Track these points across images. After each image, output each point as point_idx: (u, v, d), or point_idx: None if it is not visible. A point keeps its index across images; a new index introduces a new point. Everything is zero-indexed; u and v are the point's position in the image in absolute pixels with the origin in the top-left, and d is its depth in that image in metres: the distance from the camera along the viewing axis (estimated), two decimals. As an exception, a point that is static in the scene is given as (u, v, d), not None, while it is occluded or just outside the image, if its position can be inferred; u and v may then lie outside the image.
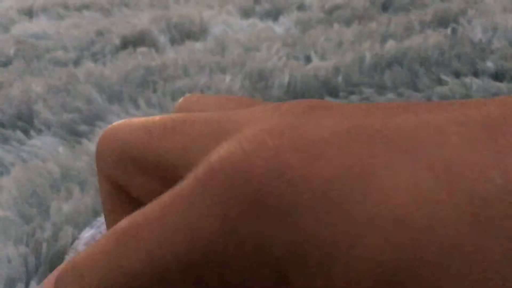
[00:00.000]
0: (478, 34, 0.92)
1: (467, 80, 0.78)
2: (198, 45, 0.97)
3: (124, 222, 0.18)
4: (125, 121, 0.23)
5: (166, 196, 0.17)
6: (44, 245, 0.48)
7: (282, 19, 1.08)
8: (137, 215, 0.18)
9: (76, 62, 0.91)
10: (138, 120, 0.22)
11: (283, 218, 0.15)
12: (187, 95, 0.24)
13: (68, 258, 0.46)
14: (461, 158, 0.14)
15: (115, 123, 0.23)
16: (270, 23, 1.07)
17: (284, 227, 0.15)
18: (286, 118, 0.18)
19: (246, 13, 1.12)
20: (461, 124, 0.15)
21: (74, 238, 0.49)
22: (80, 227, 0.50)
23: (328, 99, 0.75)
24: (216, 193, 0.16)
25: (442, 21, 0.99)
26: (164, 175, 0.19)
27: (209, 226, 0.16)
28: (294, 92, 0.77)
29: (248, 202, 0.16)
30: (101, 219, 0.49)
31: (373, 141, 0.16)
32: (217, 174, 0.16)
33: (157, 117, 0.22)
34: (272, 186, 0.16)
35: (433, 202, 0.14)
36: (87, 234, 0.47)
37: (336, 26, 1.00)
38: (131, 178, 0.21)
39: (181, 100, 0.25)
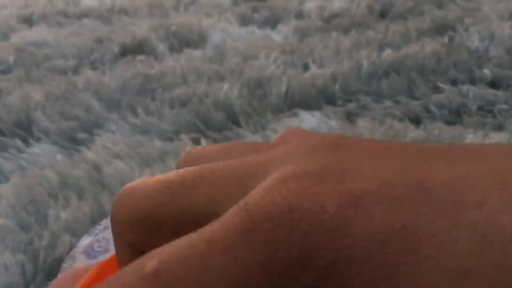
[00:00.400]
0: (475, 42, 0.93)
1: (464, 88, 0.78)
2: (197, 53, 0.97)
3: (153, 267, 0.17)
4: (139, 184, 0.22)
5: (202, 246, 0.17)
6: (42, 253, 0.48)
7: (280, 27, 1.09)
8: (171, 263, 0.17)
9: (75, 70, 0.92)
10: (153, 180, 0.22)
11: (331, 274, 0.15)
12: (187, 149, 0.24)
13: (65, 266, 0.46)
14: (501, 222, 0.15)
15: (128, 186, 0.23)
16: (268, 31, 1.08)
17: (332, 283, 0.15)
18: (318, 160, 0.18)
19: (244, 21, 1.12)
20: (500, 184, 0.16)
21: (72, 246, 0.50)
22: (78, 235, 0.50)
23: (326, 107, 0.75)
24: (260, 244, 0.16)
25: (439, 29, 0.99)
26: (190, 230, 0.18)
27: (253, 278, 0.16)
28: (292, 100, 0.77)
29: (293, 255, 0.16)
30: (99, 226, 0.49)
31: (420, 200, 0.16)
32: (260, 224, 0.16)
33: (172, 174, 0.21)
34: (319, 241, 0.15)
35: (478, 275, 0.14)
36: (84, 242, 0.48)
37: (334, 34, 1.00)
38: (152, 241, 0.20)
39: (183, 155, 0.24)
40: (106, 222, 0.49)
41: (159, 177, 0.22)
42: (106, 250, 0.45)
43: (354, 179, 0.16)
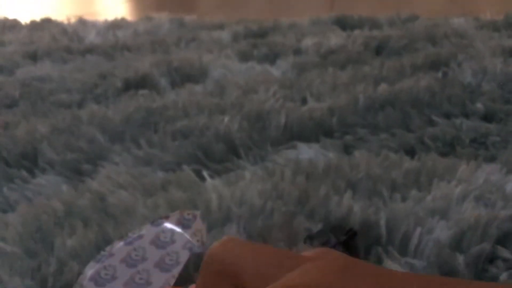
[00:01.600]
0: (468, 77, 0.96)
1: (458, 121, 0.80)
2: (198, 87, 1.00)
3: None
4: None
5: None
6: (50, 279, 0.49)
7: (279, 62, 1.12)
8: None
9: (80, 104, 0.94)
10: None
11: None
12: (225, 237, 0.27)
13: None
14: None
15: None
16: (267, 66, 1.11)
17: None
18: (326, 276, 0.23)
19: (244, 57, 1.15)
20: None
21: (79, 273, 0.51)
22: (84, 261, 0.52)
23: (323, 139, 0.77)
24: None
25: (433, 65, 1.02)
26: None
27: None
28: (290, 132, 0.79)
29: None
30: (105, 253, 0.50)
31: None
32: None
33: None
34: None
35: None
36: (91, 270, 0.49)
37: (330, 69, 1.03)
38: None
39: (208, 258, 0.27)
40: (111, 249, 0.51)
41: None
42: (113, 278, 0.47)
43: None
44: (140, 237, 0.47)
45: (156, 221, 0.47)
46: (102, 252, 0.49)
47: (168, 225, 0.47)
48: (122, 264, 0.46)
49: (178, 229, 0.47)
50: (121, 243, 0.48)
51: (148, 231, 0.47)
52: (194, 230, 0.47)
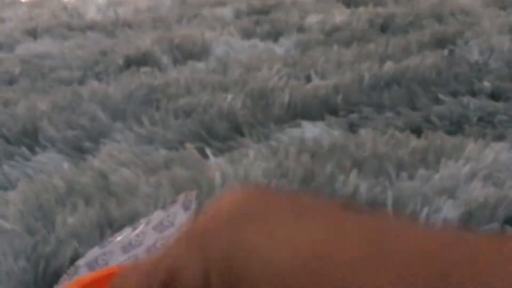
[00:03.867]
0: (474, 55, 0.94)
1: (464, 99, 0.79)
2: (200, 65, 0.99)
3: None
4: None
5: None
6: (42, 262, 0.48)
7: (282, 40, 1.10)
8: None
9: (81, 81, 0.93)
10: None
11: None
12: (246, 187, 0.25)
13: (66, 275, 0.46)
14: None
15: None
16: (270, 44, 1.09)
17: None
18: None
19: (247, 34, 1.14)
20: None
21: (77, 252, 0.50)
22: (84, 240, 0.51)
23: (328, 117, 0.76)
24: None
25: (439, 43, 1.01)
26: None
27: None
28: (294, 111, 0.78)
29: None
30: (112, 239, 0.49)
31: None
32: None
33: None
34: None
35: None
36: (92, 256, 0.47)
37: (335, 47, 1.02)
38: None
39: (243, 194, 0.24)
40: (118, 236, 0.49)
41: None
42: (106, 264, 0.45)
43: None
44: (148, 223, 0.46)
45: (165, 206, 0.46)
46: (110, 239, 0.48)
47: (173, 209, 0.46)
48: (120, 251, 0.45)
49: (180, 212, 0.46)
50: (130, 229, 0.47)
51: (156, 216, 0.46)
52: (193, 211, 0.46)
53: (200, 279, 0.21)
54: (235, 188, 0.24)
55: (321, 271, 0.20)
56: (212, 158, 0.65)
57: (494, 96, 0.81)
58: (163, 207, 0.45)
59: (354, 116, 0.77)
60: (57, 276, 0.48)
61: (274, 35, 1.13)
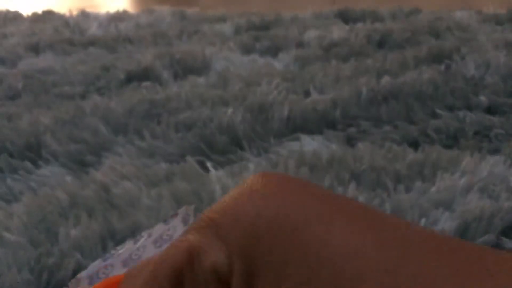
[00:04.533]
0: (471, 70, 0.95)
1: (461, 113, 0.80)
2: (201, 80, 1.00)
3: None
4: None
5: None
6: (45, 274, 0.49)
7: (281, 55, 1.12)
8: None
9: (83, 96, 0.94)
10: None
11: None
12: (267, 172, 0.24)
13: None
14: None
15: None
16: (270, 59, 1.11)
17: None
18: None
19: (246, 50, 1.15)
20: None
21: (80, 264, 0.51)
22: (87, 252, 0.52)
23: (326, 131, 0.77)
24: None
25: (436, 58, 1.02)
26: None
27: None
28: (293, 125, 0.79)
29: None
30: (114, 251, 0.49)
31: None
32: None
33: None
34: None
35: None
36: (94, 268, 0.47)
37: (333, 62, 1.03)
38: None
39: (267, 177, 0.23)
40: (121, 249, 0.49)
41: None
42: (106, 277, 0.46)
43: None
44: (149, 235, 0.46)
45: (167, 219, 0.47)
46: (112, 251, 0.48)
47: (174, 222, 0.46)
48: (121, 264, 0.46)
49: (180, 226, 0.46)
50: (131, 242, 0.47)
51: (157, 229, 0.46)
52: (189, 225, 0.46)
53: (224, 263, 0.20)
54: (254, 175, 0.23)
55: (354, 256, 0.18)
56: (212, 171, 0.66)
57: (490, 110, 0.83)
58: (165, 220, 0.46)
59: (352, 130, 0.78)
60: (61, 286, 0.49)
61: (274, 51, 1.15)
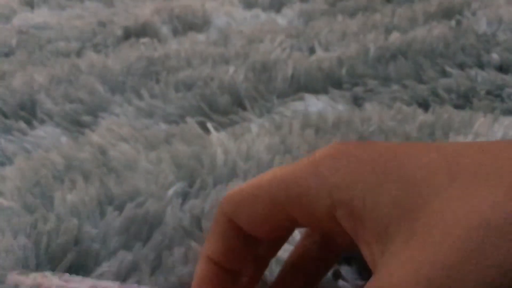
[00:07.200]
0: (482, 26, 0.92)
1: (472, 72, 0.77)
2: (201, 36, 0.96)
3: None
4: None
5: None
6: (44, 238, 0.47)
7: (285, 10, 1.08)
8: None
9: (79, 53, 0.91)
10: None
11: None
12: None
13: None
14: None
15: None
16: (273, 14, 1.06)
17: None
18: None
19: (248, 5, 1.11)
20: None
21: (79, 230, 0.49)
22: (84, 218, 0.50)
23: (332, 91, 0.74)
24: None
25: (446, 13, 0.98)
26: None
27: None
28: (297, 84, 0.76)
29: None
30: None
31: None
32: None
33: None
34: None
35: None
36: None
37: (339, 17, 0.99)
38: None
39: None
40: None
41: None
42: None
43: None
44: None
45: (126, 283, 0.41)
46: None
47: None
48: None
49: None
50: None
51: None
52: None
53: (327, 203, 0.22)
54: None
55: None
56: (213, 133, 0.63)
57: (503, 68, 0.79)
58: (122, 283, 0.41)
59: (358, 89, 0.75)
60: (63, 252, 0.47)
61: (277, 5, 1.11)
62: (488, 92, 0.73)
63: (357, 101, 0.72)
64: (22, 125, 0.69)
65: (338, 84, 0.76)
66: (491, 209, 0.17)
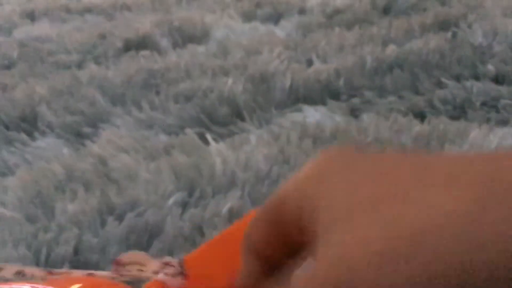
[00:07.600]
0: (478, 38, 0.93)
1: (468, 83, 0.78)
2: (201, 48, 0.97)
3: None
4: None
5: None
6: (44, 250, 0.48)
7: (283, 23, 1.09)
8: None
9: (79, 65, 0.92)
10: None
11: None
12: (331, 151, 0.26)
13: None
14: None
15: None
16: (271, 27, 1.08)
17: None
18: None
19: (247, 17, 1.12)
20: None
21: (79, 239, 0.49)
22: (85, 227, 0.51)
23: (330, 102, 0.75)
24: None
25: (442, 25, 0.99)
26: None
27: None
28: (296, 95, 0.77)
29: None
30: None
31: None
32: None
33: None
34: None
35: None
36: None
37: (337, 30, 1.00)
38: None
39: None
40: None
41: None
42: None
43: None
44: None
45: None
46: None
47: None
48: None
49: None
50: None
51: None
52: None
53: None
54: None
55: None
56: (212, 143, 0.64)
57: (498, 80, 0.80)
58: None
59: (356, 101, 0.76)
60: (62, 262, 0.47)
61: (275, 18, 1.12)
62: (484, 103, 0.74)
63: (354, 112, 0.73)
64: (24, 136, 0.69)
65: (335, 95, 0.77)
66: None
